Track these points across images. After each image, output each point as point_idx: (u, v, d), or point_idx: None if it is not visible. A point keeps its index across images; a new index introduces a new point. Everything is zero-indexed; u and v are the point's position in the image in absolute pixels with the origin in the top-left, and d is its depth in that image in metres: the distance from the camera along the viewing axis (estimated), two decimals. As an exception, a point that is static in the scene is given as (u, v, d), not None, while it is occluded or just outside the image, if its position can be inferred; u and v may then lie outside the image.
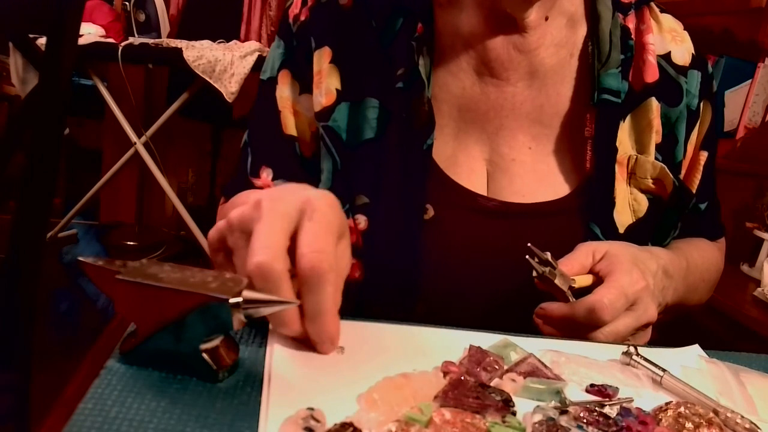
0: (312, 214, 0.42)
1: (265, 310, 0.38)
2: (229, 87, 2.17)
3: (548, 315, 0.55)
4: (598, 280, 0.56)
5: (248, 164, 0.69)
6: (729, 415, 0.41)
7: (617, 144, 0.65)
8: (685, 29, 0.71)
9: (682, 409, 0.40)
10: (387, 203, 0.63)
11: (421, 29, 0.65)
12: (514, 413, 0.38)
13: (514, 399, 0.39)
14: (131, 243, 2.82)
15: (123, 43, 2.25)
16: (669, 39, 0.69)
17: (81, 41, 2.16)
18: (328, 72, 0.66)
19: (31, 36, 2.20)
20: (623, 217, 0.65)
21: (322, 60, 0.66)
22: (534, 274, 0.55)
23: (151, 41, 2.31)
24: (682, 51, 0.69)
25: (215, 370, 0.38)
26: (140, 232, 2.90)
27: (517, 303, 0.57)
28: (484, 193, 0.65)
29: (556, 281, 0.54)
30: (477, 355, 0.44)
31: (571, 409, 0.39)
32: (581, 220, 0.64)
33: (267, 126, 0.69)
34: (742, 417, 0.41)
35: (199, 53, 2.16)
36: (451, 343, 0.46)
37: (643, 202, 0.67)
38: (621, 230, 0.65)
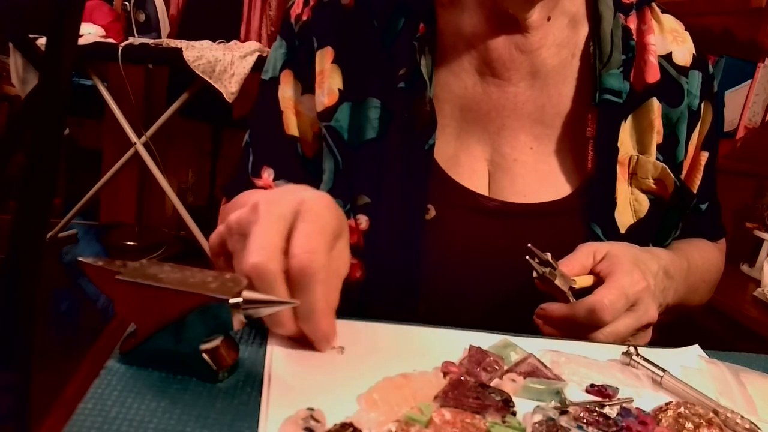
0: (306, 216, 0.43)
1: (265, 311, 0.38)
2: (229, 87, 2.17)
3: (549, 315, 0.55)
4: (599, 280, 0.56)
5: (249, 164, 0.69)
6: (729, 415, 0.41)
7: (618, 144, 0.65)
8: (686, 29, 0.71)
9: (682, 409, 0.40)
10: (388, 203, 0.63)
11: (423, 29, 0.65)
12: (514, 413, 0.38)
13: (514, 399, 0.39)
14: (131, 243, 2.82)
15: (123, 43, 2.25)
16: (670, 39, 0.69)
17: (81, 41, 2.16)
18: (331, 72, 0.66)
19: (31, 36, 2.20)
20: (624, 218, 0.65)
21: (324, 60, 0.66)
22: (534, 274, 0.55)
23: (151, 41, 2.31)
24: (683, 51, 0.69)
25: (215, 370, 0.38)
26: (140, 232, 2.90)
27: (517, 303, 0.57)
28: (486, 193, 0.65)
29: (557, 282, 0.54)
30: (477, 355, 0.44)
31: (571, 409, 0.39)
32: (582, 220, 0.64)
33: (268, 126, 0.69)
34: (742, 417, 0.41)
35: (199, 53, 2.16)
36: (451, 343, 0.46)
37: (645, 203, 0.67)
38: (622, 230, 0.65)
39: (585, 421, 0.38)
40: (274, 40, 0.71)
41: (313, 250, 0.41)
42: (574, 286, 0.55)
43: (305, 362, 0.41)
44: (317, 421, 0.34)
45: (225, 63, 2.17)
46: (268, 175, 0.68)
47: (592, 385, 0.43)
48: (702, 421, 0.40)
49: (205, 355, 0.38)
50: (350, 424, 0.34)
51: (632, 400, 0.42)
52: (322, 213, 0.44)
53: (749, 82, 1.95)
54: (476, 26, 0.64)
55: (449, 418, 0.36)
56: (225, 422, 0.34)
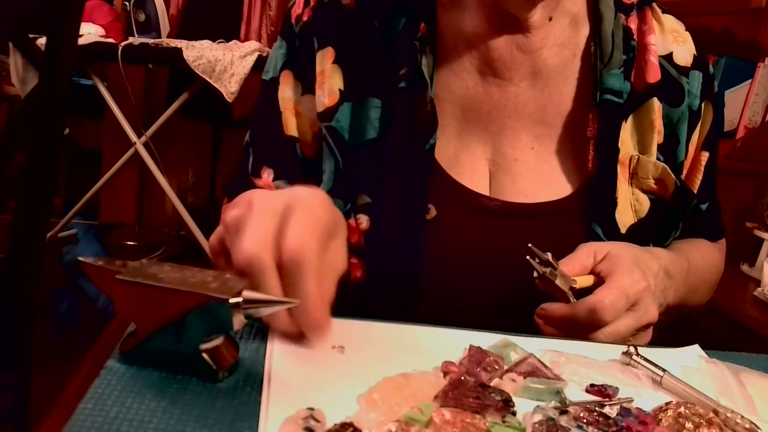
0: (299, 210, 0.43)
1: (265, 310, 0.38)
2: (229, 87, 2.17)
3: (549, 315, 0.55)
4: (599, 280, 0.56)
5: (249, 164, 0.70)
6: (729, 415, 0.41)
7: (619, 144, 0.65)
8: (686, 30, 0.71)
9: (682, 409, 0.40)
10: (389, 203, 0.63)
11: (423, 29, 0.65)
12: (514, 413, 0.38)
13: (514, 399, 0.39)
14: (131, 243, 2.82)
15: (123, 43, 2.25)
16: (671, 40, 0.69)
17: (81, 41, 2.16)
18: (331, 72, 0.66)
19: (31, 36, 2.20)
20: (625, 218, 0.65)
21: (324, 60, 0.66)
22: (535, 274, 0.55)
23: (151, 41, 2.31)
24: (684, 52, 0.69)
25: (215, 370, 0.38)
26: (140, 232, 2.90)
27: (518, 303, 0.57)
28: (487, 193, 0.65)
29: (557, 282, 0.54)
30: (477, 355, 0.44)
31: (571, 409, 0.39)
32: (583, 220, 0.64)
33: (268, 126, 0.69)
34: (742, 417, 0.41)
35: (199, 53, 2.16)
36: (451, 343, 0.46)
37: (645, 203, 0.67)
38: (623, 230, 0.65)
39: (585, 420, 0.38)
40: (274, 40, 0.71)
41: (305, 241, 0.41)
42: (574, 286, 0.55)
43: (305, 362, 0.41)
44: (317, 420, 0.34)
45: (225, 63, 2.17)
46: (267, 175, 0.68)
47: (592, 385, 0.43)
48: (702, 421, 0.40)
49: (205, 355, 0.38)
50: (350, 424, 0.34)
51: (632, 400, 0.42)
52: (315, 208, 0.44)
53: (749, 82, 1.95)
54: (477, 26, 0.64)
55: (449, 418, 0.36)
56: (225, 422, 0.34)
